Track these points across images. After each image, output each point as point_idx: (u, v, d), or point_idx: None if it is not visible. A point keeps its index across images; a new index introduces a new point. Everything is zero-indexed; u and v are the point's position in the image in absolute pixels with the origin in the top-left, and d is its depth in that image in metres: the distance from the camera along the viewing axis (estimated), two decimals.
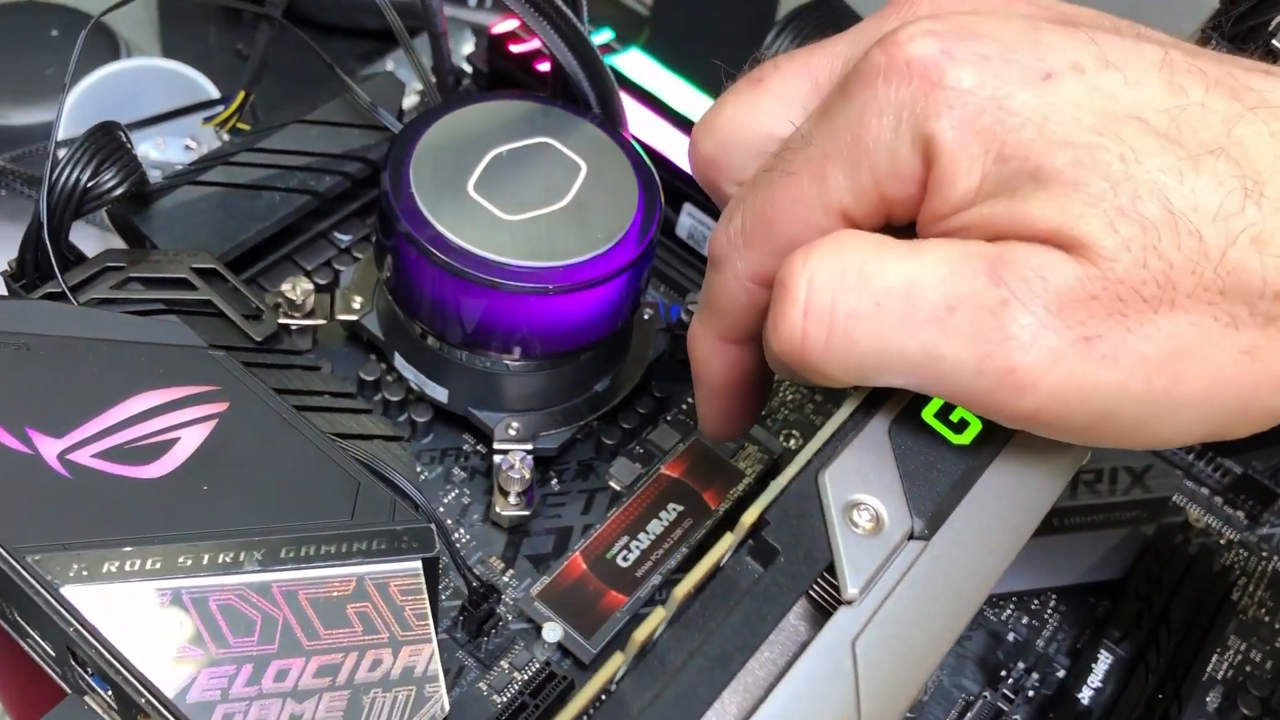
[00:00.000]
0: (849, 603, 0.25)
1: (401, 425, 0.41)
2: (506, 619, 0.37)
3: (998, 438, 0.27)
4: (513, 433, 0.39)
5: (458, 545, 0.38)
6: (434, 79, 0.47)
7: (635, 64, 0.49)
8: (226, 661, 0.28)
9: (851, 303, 0.25)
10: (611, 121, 0.41)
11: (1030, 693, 0.38)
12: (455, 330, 0.38)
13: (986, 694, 0.38)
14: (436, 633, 0.31)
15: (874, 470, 0.26)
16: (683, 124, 0.46)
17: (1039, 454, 0.28)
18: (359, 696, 0.29)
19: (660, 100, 0.46)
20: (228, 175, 0.42)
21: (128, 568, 0.29)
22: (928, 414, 0.27)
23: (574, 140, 0.40)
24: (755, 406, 0.34)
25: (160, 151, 0.54)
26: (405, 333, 0.40)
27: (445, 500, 0.40)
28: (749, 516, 0.26)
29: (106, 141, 0.37)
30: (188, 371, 0.33)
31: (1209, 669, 0.39)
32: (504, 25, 0.48)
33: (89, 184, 0.36)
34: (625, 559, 0.38)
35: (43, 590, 0.28)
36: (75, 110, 0.53)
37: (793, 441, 0.43)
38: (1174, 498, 0.44)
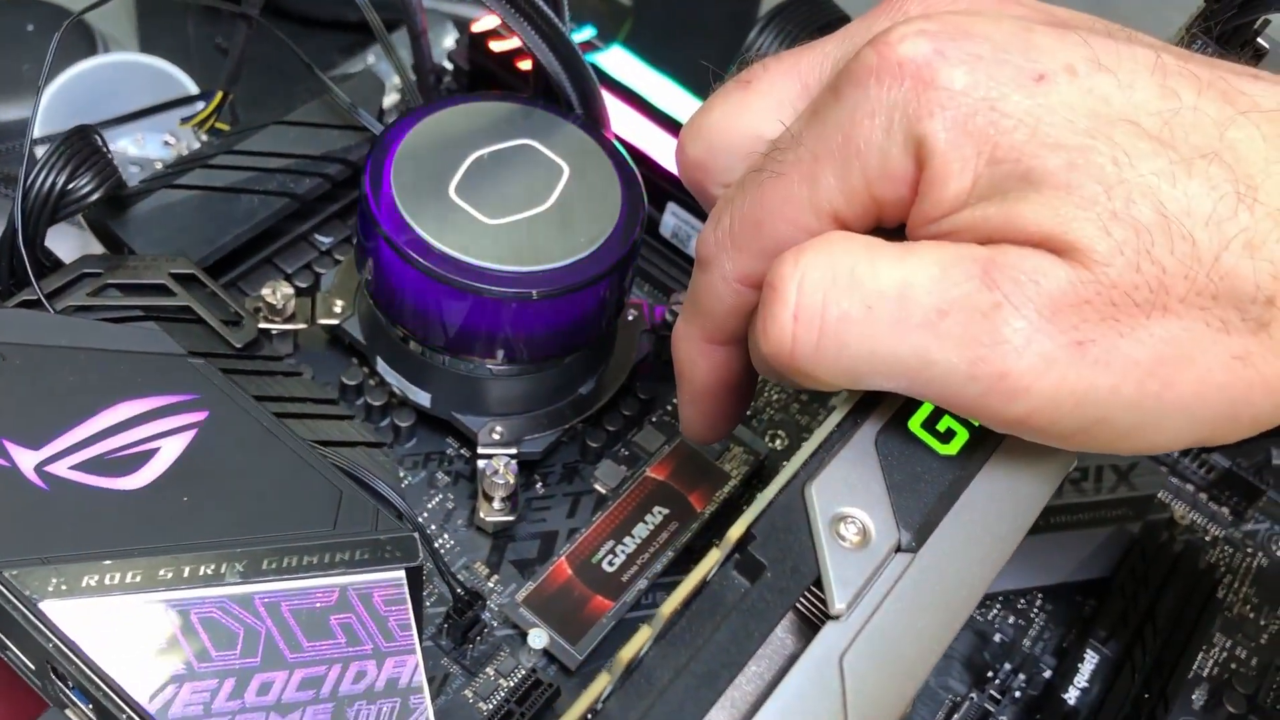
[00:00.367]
0: (836, 618, 0.25)
1: (384, 430, 0.40)
2: (492, 625, 0.37)
3: (984, 447, 0.27)
4: (496, 437, 0.39)
5: (442, 551, 0.38)
6: (414, 77, 0.46)
7: (617, 61, 0.49)
8: (209, 676, 0.28)
9: (842, 305, 0.25)
10: (594, 122, 0.41)
11: (1017, 693, 0.38)
12: (437, 334, 0.38)
13: (973, 695, 0.38)
14: (421, 641, 0.30)
15: (861, 482, 0.26)
16: (666, 122, 0.45)
17: (1026, 462, 0.28)
18: (343, 709, 0.29)
19: (643, 98, 0.46)
20: (206, 178, 0.41)
21: (107, 581, 0.29)
22: (914, 424, 0.27)
23: (556, 142, 0.39)
24: (739, 409, 0.33)
25: (139, 147, 0.53)
26: (387, 337, 0.39)
27: (429, 505, 0.39)
28: (735, 531, 0.25)
29: (82, 146, 0.36)
30: (167, 380, 0.33)
31: (1195, 666, 0.39)
32: (484, 23, 0.47)
33: (65, 188, 0.35)
34: (611, 563, 0.38)
35: (21, 606, 0.28)
36: (52, 107, 0.53)
37: (778, 442, 0.43)
38: (1159, 495, 0.44)
